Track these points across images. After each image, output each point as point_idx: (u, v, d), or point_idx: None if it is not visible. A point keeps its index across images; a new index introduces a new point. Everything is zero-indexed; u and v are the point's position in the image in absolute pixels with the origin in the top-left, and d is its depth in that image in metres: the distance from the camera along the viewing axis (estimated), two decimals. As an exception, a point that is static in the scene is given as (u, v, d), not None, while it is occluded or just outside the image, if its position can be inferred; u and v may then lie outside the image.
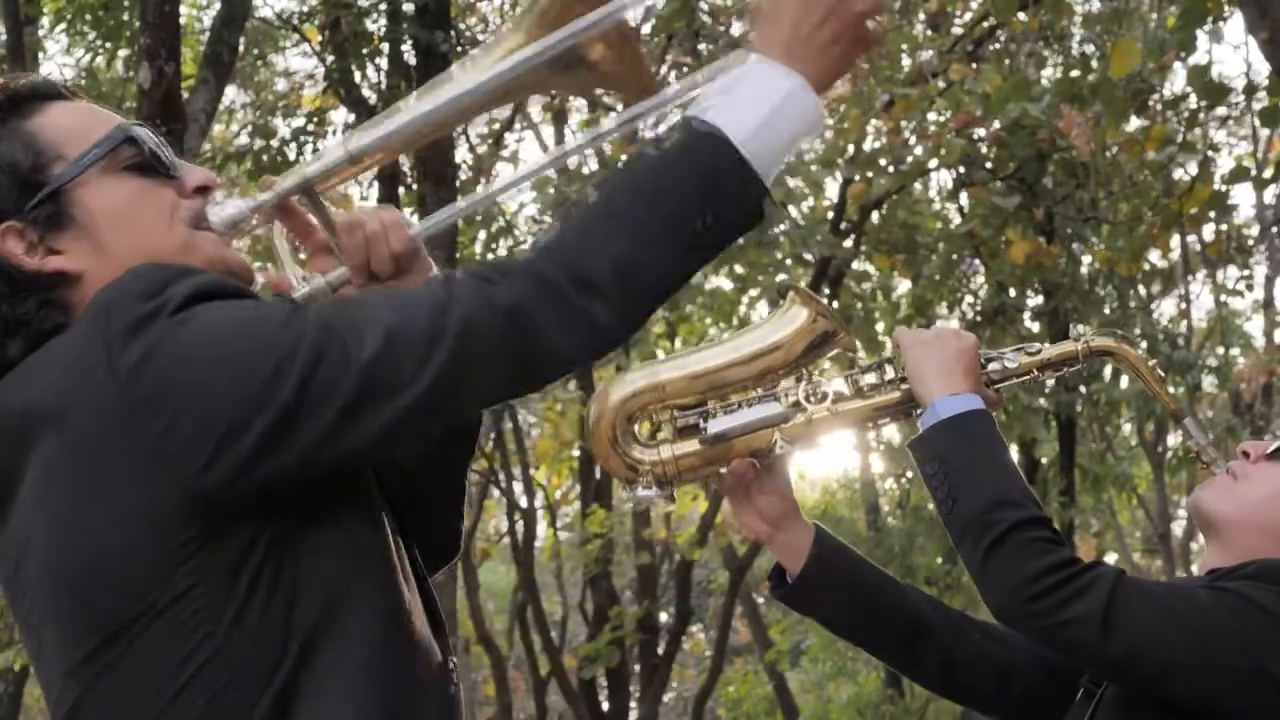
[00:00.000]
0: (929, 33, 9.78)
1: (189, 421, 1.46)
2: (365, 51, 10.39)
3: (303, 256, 1.88)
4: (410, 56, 9.63)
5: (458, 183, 9.72)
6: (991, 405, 2.30)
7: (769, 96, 1.56)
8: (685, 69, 10.17)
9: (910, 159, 8.83)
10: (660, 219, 1.51)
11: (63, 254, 1.63)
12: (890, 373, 2.34)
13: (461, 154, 11.60)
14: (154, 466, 1.47)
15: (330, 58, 10.58)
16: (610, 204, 1.53)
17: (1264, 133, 9.93)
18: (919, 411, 2.31)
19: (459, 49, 10.57)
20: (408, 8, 9.58)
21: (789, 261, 9.68)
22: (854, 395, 2.33)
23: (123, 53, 10.21)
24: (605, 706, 12.97)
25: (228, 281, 1.59)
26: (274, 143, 10.73)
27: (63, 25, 10.33)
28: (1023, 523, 2.15)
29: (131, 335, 1.48)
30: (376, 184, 10.81)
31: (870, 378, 2.33)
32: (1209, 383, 13.99)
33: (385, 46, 10.29)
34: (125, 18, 9.29)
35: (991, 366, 2.36)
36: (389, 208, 1.84)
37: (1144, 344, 11.29)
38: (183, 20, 8.85)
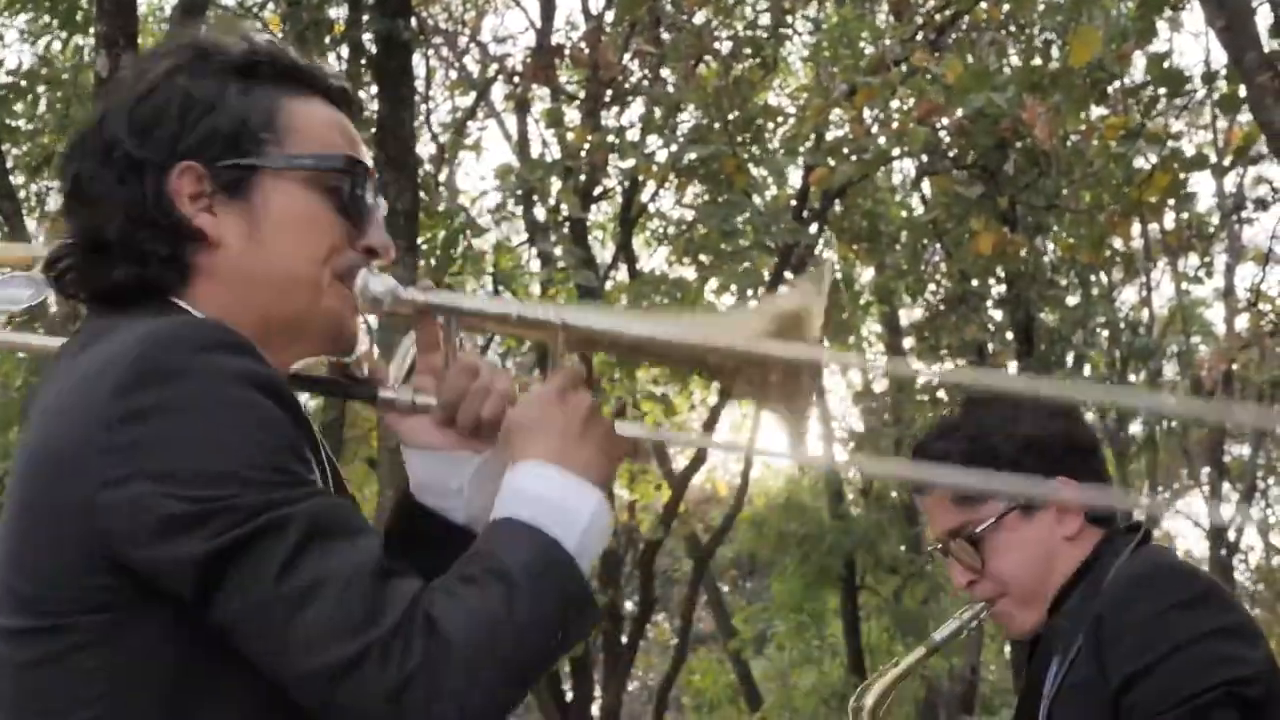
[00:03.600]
0: (891, 21, 9.80)
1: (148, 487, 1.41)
2: (326, 40, 10.31)
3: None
4: (371, 45, 9.57)
5: (419, 173, 9.66)
6: None
7: (584, 516, 1.55)
8: (648, 57, 10.16)
9: (873, 147, 8.84)
10: (529, 654, 1.48)
11: (216, 218, 1.62)
12: None
13: (424, 147, 11.53)
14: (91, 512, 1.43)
15: (291, 46, 10.49)
16: (494, 636, 1.45)
17: (1222, 121, 10.00)
18: None
19: (420, 37, 10.52)
20: (369, -4, 9.51)
21: (753, 250, 9.66)
22: None
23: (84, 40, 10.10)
24: (569, 695, 12.97)
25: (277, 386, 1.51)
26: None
27: (19, 10, 10.22)
28: None
29: (141, 386, 1.44)
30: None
31: None
32: (1170, 370, 14.08)
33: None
34: (83, 2, 9.19)
35: None
36: (509, 376, 1.76)
37: (1105, 332, 11.35)
38: (142, 8, 8.77)
